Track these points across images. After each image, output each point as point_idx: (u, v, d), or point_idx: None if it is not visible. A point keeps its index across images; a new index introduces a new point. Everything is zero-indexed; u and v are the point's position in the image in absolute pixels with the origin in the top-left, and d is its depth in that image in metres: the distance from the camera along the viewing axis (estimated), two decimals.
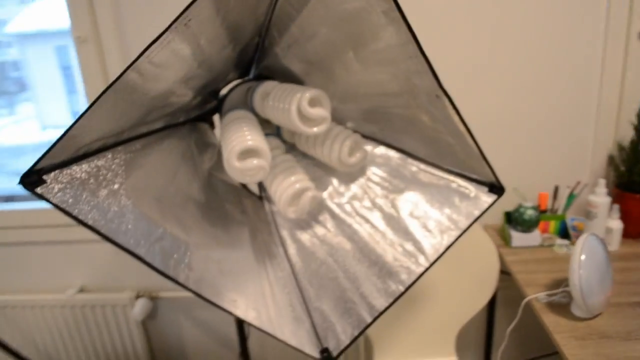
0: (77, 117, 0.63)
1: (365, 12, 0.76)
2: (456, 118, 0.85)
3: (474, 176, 1.00)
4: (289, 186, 0.92)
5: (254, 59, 1.04)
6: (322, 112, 0.86)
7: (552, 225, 1.35)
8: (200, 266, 0.87)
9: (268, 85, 0.96)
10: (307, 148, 1.01)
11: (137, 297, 1.65)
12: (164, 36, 0.62)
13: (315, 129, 0.85)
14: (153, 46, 0.62)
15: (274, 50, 0.96)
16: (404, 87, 0.87)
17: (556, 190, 1.35)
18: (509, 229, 1.34)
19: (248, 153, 0.86)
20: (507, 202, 1.44)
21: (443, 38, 1.34)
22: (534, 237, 1.32)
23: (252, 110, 1.01)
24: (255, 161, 0.85)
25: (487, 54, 1.34)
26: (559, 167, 1.41)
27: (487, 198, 1.00)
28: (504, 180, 1.44)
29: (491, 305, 1.49)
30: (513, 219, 1.33)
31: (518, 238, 1.33)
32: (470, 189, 1.01)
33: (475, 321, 1.63)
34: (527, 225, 1.30)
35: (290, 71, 1.00)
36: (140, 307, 1.61)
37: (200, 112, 1.05)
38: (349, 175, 1.11)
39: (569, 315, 1.05)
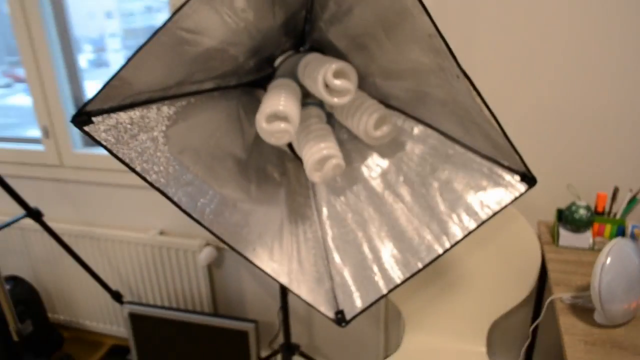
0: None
1: None
2: (478, 100, 0.86)
3: (507, 163, 1.00)
4: (317, 151, 0.99)
5: (305, 31, 1.10)
6: (346, 84, 0.91)
7: (608, 229, 1.28)
8: (225, 213, 0.97)
9: (310, 57, 1.03)
10: (342, 119, 1.06)
11: (206, 245, 1.82)
12: (188, 5, 0.71)
13: (336, 99, 0.91)
14: (178, 14, 0.72)
15: (319, 24, 1.03)
16: (432, 66, 0.90)
17: (615, 191, 1.27)
18: (559, 227, 1.30)
19: (277, 117, 0.94)
20: (562, 199, 1.39)
21: (498, 18, 1.31)
22: (585, 238, 1.27)
23: (297, 80, 1.09)
24: (282, 125, 0.93)
25: (548, 37, 1.28)
26: (623, 168, 1.33)
27: (520, 187, 1.00)
28: (559, 175, 1.39)
29: (537, 304, 1.46)
30: (564, 217, 1.29)
31: (566, 237, 1.28)
32: (503, 176, 1.01)
33: (520, 319, 1.60)
34: (577, 225, 1.26)
35: (335, 46, 1.05)
36: (205, 254, 1.78)
37: (255, 78, 1.14)
38: (388, 150, 1.15)
39: (590, 320, 1.02)
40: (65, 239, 2.01)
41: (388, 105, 1.13)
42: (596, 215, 1.28)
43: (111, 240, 1.95)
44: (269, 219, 1.07)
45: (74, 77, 1.91)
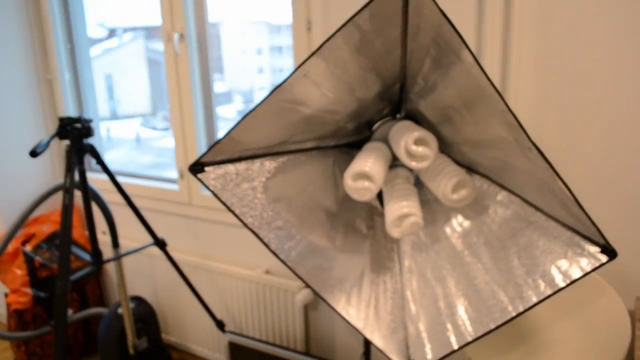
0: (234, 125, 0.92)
1: (466, 74, 0.89)
2: (550, 172, 0.91)
3: (587, 234, 1.01)
4: (398, 209, 1.08)
5: (401, 101, 1.22)
6: (425, 151, 1.00)
7: None
8: (309, 257, 1.09)
9: (400, 124, 1.14)
10: (426, 181, 1.15)
11: (304, 287, 1.96)
12: (287, 82, 0.87)
13: (414, 164, 1.00)
14: (278, 89, 0.87)
15: (410, 96, 1.14)
16: (509, 139, 0.96)
17: None
18: None
19: (363, 176, 1.05)
20: None
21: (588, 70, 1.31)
22: None
23: (389, 144, 1.20)
24: (366, 183, 1.04)
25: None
26: None
27: (601, 258, 1.00)
28: None
29: None
30: None
31: None
32: (583, 246, 1.03)
33: None
34: None
35: (425, 116, 1.15)
36: (302, 295, 1.91)
37: (354, 140, 1.27)
38: (471, 212, 1.20)
39: None
40: (185, 268, 2.26)
41: (475, 172, 1.20)
42: None
43: (223, 274, 2.16)
44: (351, 266, 1.18)
45: (211, 129, 2.19)
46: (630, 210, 1.35)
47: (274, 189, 1.07)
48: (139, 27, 2.56)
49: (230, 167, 1.01)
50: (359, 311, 1.14)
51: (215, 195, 0.97)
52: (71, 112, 2.48)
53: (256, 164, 1.05)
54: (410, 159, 1.01)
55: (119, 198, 1.92)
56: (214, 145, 0.93)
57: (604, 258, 0.99)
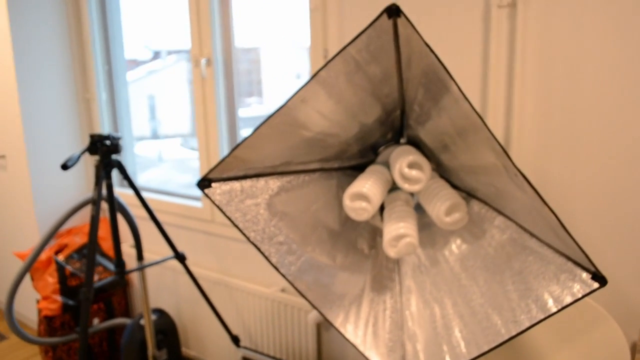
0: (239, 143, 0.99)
1: (455, 103, 0.94)
2: (537, 198, 0.95)
3: (579, 260, 1.04)
4: (394, 229, 1.13)
5: (403, 126, 1.28)
6: (418, 174, 1.06)
7: None
8: (309, 273, 1.15)
9: (400, 149, 1.19)
10: (423, 204, 1.20)
11: None
12: (282, 109, 0.94)
13: (406, 185, 1.05)
14: (277, 113, 0.94)
15: (410, 122, 1.20)
16: (498, 165, 1.01)
17: None
18: None
19: (361, 196, 1.11)
20: None
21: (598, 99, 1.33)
22: None
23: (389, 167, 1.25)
24: (363, 204, 1.10)
25: None
26: None
27: (592, 284, 1.02)
28: None
29: None
30: None
31: None
32: (576, 272, 1.05)
33: None
34: None
35: (425, 143, 1.21)
36: (314, 314, 1.95)
37: (358, 162, 1.33)
38: (469, 236, 1.24)
39: None
40: (205, 283, 2.34)
41: (474, 197, 1.24)
42: None
43: (240, 290, 2.22)
44: (351, 284, 1.22)
45: None
46: (636, 241, 1.36)
47: (277, 207, 1.13)
48: (182, 50, 2.70)
49: (236, 184, 1.08)
50: (356, 328, 1.18)
51: (221, 209, 1.04)
52: (106, 130, 2.62)
53: (261, 182, 1.12)
54: (403, 182, 1.07)
55: (146, 213, 2.02)
56: (220, 163, 1.01)
57: (595, 285, 1.02)
